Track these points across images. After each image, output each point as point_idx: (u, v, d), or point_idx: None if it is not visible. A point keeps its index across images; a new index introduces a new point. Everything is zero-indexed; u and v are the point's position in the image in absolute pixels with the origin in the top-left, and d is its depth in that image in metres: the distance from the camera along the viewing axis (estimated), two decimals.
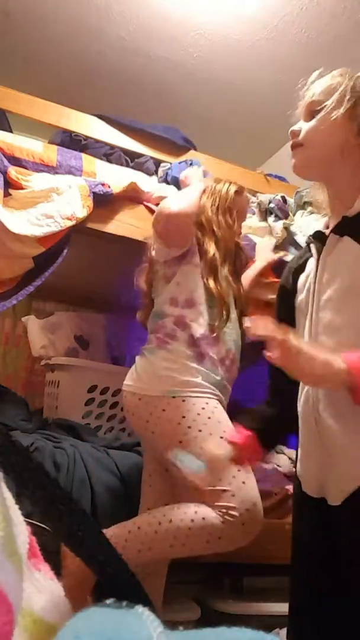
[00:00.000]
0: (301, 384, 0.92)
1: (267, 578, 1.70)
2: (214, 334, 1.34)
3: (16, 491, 0.36)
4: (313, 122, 0.91)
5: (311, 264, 0.94)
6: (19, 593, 0.32)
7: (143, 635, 0.27)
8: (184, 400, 1.26)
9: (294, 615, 0.91)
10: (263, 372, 1.13)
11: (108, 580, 0.36)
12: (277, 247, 1.93)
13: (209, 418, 1.23)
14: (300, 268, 0.99)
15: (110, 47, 2.34)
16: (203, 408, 1.25)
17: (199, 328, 1.34)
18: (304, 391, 0.91)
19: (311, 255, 0.95)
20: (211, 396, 1.30)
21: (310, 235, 0.97)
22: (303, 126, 0.93)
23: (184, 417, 1.24)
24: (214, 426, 1.22)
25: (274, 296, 1.13)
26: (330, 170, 0.92)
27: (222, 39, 2.24)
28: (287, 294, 1.01)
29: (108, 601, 0.31)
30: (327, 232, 0.92)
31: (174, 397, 1.27)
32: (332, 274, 0.87)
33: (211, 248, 1.39)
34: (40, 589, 0.36)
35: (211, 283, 1.36)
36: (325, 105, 0.89)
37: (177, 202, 1.34)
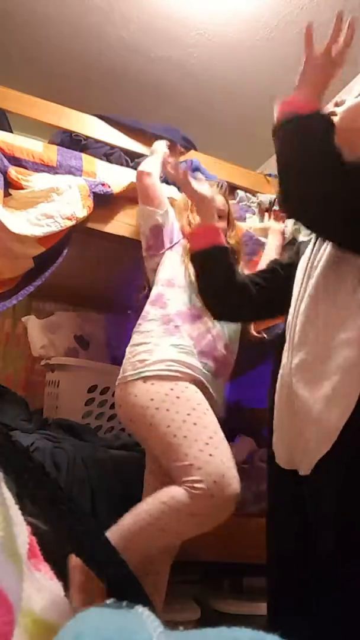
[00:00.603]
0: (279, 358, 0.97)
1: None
2: (194, 312, 1.38)
3: (16, 491, 0.36)
4: None
5: (308, 249, 1.02)
6: (19, 593, 0.32)
7: (143, 635, 0.27)
8: (152, 384, 1.26)
9: (272, 598, 0.92)
10: (263, 372, 1.14)
11: (108, 580, 0.36)
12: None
13: (178, 397, 1.22)
14: (300, 253, 1.07)
15: (110, 47, 2.34)
16: (172, 389, 1.23)
17: (176, 306, 1.38)
18: (280, 367, 0.95)
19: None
20: (179, 374, 1.28)
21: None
22: None
23: (152, 399, 1.24)
24: (182, 405, 1.20)
25: None
26: None
27: (222, 39, 2.24)
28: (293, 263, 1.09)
29: (108, 601, 0.31)
30: None
31: (143, 379, 1.28)
32: (323, 252, 0.94)
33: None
34: (40, 589, 0.36)
35: (191, 267, 1.37)
36: None
37: (140, 165, 1.64)
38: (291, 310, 0.97)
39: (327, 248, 0.93)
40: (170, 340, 1.34)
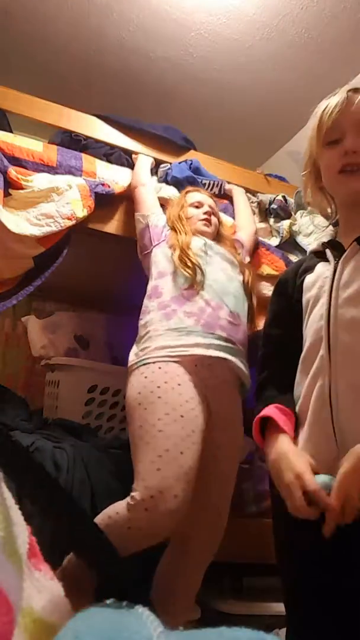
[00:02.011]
0: (309, 373, 0.91)
1: (267, 578, 1.70)
2: (187, 292, 1.40)
3: (16, 491, 0.36)
4: None
5: (323, 267, 0.96)
6: (19, 593, 0.32)
7: (143, 635, 0.27)
8: (145, 376, 1.27)
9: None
10: None
11: (108, 580, 0.36)
12: (280, 247, 1.94)
13: (159, 397, 1.22)
14: (307, 269, 1.00)
15: (110, 47, 2.34)
16: (158, 387, 1.23)
17: (170, 292, 1.42)
18: (315, 381, 0.89)
19: (320, 260, 0.97)
20: (179, 359, 1.29)
21: (324, 242, 0.99)
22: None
23: (139, 393, 1.25)
24: (159, 407, 1.20)
25: None
26: None
27: (222, 39, 2.24)
28: (284, 293, 1.04)
29: (108, 601, 0.31)
30: (342, 241, 0.95)
31: (145, 365, 1.30)
32: (351, 276, 0.88)
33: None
34: (40, 589, 0.36)
35: (172, 252, 1.49)
36: None
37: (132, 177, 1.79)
38: (316, 327, 0.91)
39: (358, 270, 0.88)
40: (169, 324, 1.36)
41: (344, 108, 0.88)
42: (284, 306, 1.03)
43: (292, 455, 0.83)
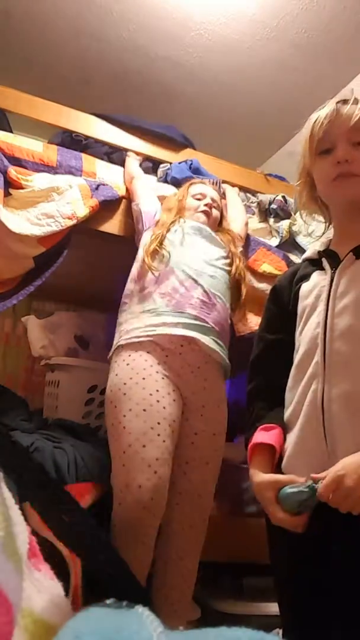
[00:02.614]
0: (302, 379, 0.92)
1: (267, 578, 1.69)
2: (162, 274, 1.44)
3: (16, 491, 0.36)
4: None
5: (318, 276, 0.97)
6: (19, 593, 0.32)
7: (143, 635, 0.27)
8: (113, 369, 1.37)
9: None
10: None
11: (108, 580, 0.36)
12: (280, 247, 1.94)
13: (124, 394, 1.28)
14: (303, 278, 1.01)
15: (110, 47, 2.34)
16: (125, 383, 1.29)
17: (147, 275, 1.46)
18: (307, 392, 0.90)
19: (317, 269, 0.98)
20: (148, 340, 1.34)
21: (320, 251, 1.01)
22: (353, 154, 0.90)
23: (111, 390, 1.33)
24: (124, 403, 1.27)
25: None
26: None
27: (222, 39, 2.24)
28: (280, 299, 1.06)
29: (108, 601, 0.31)
30: (337, 250, 0.96)
31: (118, 348, 1.39)
32: (348, 286, 0.90)
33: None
34: (40, 589, 0.36)
35: (149, 235, 1.54)
36: None
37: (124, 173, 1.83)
38: (312, 334, 0.92)
39: (354, 280, 0.90)
40: (143, 306, 1.41)
41: (334, 119, 0.91)
42: (278, 313, 1.05)
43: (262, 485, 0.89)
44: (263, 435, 0.94)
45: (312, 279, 0.98)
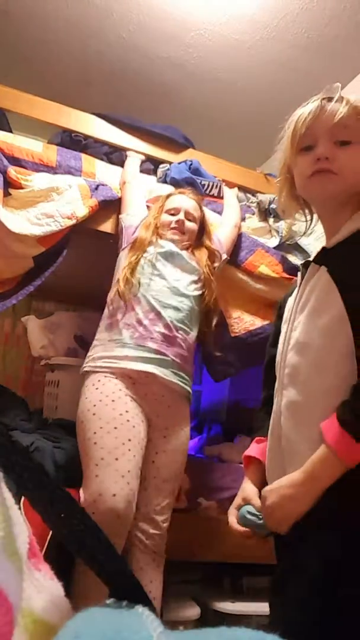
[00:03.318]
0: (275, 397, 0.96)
1: (267, 578, 1.69)
2: (129, 304, 1.47)
3: (16, 491, 0.36)
4: (350, 153, 0.87)
5: (296, 289, 0.98)
6: (19, 593, 0.32)
7: (143, 635, 0.27)
8: (83, 393, 1.42)
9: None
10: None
11: (108, 580, 0.36)
12: (280, 247, 1.94)
13: (94, 414, 1.32)
14: (291, 293, 1.03)
15: (110, 47, 2.34)
16: (94, 405, 1.34)
17: (118, 303, 1.50)
18: (274, 400, 0.94)
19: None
20: (110, 370, 1.39)
21: (300, 264, 1.00)
22: (334, 152, 0.87)
23: (81, 411, 1.38)
24: (93, 423, 1.31)
25: (282, 293, 1.16)
26: (343, 203, 0.90)
27: (222, 39, 2.24)
28: (278, 315, 1.08)
29: (108, 601, 0.31)
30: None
31: (84, 374, 1.46)
32: (306, 298, 0.90)
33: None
34: (40, 589, 0.36)
35: (122, 262, 1.56)
36: (356, 136, 0.87)
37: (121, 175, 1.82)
38: (280, 347, 0.96)
39: (315, 288, 0.89)
40: (110, 335, 1.46)
41: (317, 115, 0.89)
42: (278, 326, 1.06)
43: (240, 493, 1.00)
44: (254, 449, 1.02)
45: (293, 292, 1.00)
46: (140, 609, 0.30)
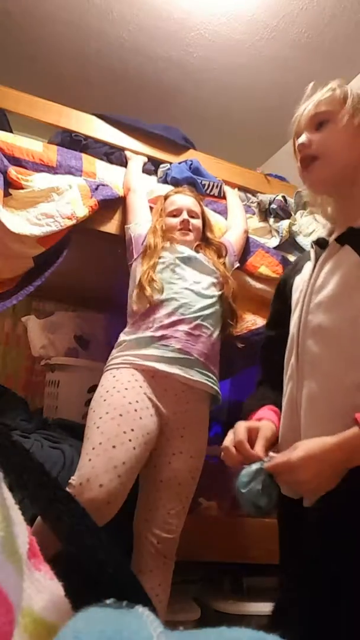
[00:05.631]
0: (285, 377, 0.91)
1: (267, 578, 1.70)
2: (152, 306, 1.46)
3: (17, 491, 0.36)
4: (325, 133, 0.88)
5: (308, 267, 0.94)
6: (19, 593, 0.32)
7: (143, 635, 0.27)
8: (101, 383, 1.39)
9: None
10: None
11: (108, 580, 0.36)
12: (280, 247, 1.94)
13: (104, 400, 1.30)
14: (298, 270, 0.99)
15: (110, 47, 2.34)
16: (107, 391, 1.33)
17: (140, 306, 1.49)
18: (287, 390, 0.90)
19: (309, 259, 0.95)
20: (130, 365, 1.38)
21: (313, 241, 0.96)
22: (311, 137, 0.89)
23: (94, 399, 1.35)
24: (102, 408, 1.29)
25: None
26: (346, 181, 0.88)
27: (222, 39, 2.24)
28: (282, 294, 1.03)
29: (108, 601, 0.31)
30: (330, 239, 0.91)
31: (107, 371, 1.42)
32: (325, 279, 0.86)
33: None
34: (40, 589, 0.36)
35: (140, 268, 1.54)
36: (333, 115, 0.87)
37: (125, 181, 1.80)
38: (293, 331, 0.90)
39: (337, 269, 0.85)
40: (133, 336, 1.45)
41: (301, 115, 0.93)
42: (280, 307, 1.02)
43: (250, 424, 0.88)
44: (267, 413, 0.93)
45: (303, 271, 0.95)
46: (140, 609, 0.30)
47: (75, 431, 1.77)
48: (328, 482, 0.74)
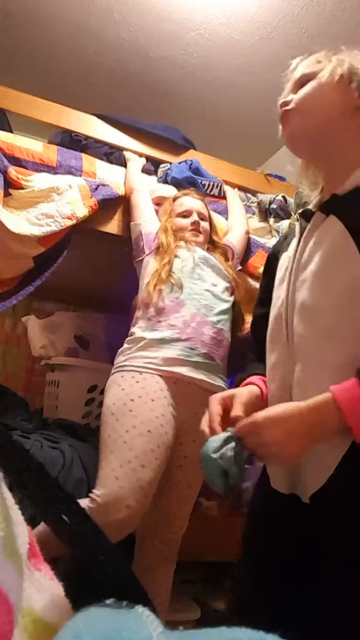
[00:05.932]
0: (271, 360, 0.86)
1: None
2: (174, 304, 1.42)
3: (17, 491, 0.36)
4: (306, 88, 0.87)
5: (293, 243, 0.87)
6: (19, 593, 0.32)
7: (143, 635, 0.27)
8: (119, 384, 1.32)
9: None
10: None
11: (108, 580, 0.36)
12: None
13: (130, 411, 1.25)
14: (284, 247, 0.92)
15: (110, 47, 2.34)
16: (132, 399, 1.28)
17: (157, 304, 1.44)
18: (276, 374, 0.85)
19: (294, 235, 0.88)
20: (145, 370, 1.33)
21: (298, 213, 0.89)
22: (294, 97, 0.88)
23: (114, 403, 1.29)
24: (128, 419, 1.24)
25: None
26: (326, 141, 0.83)
27: (222, 39, 2.24)
28: (272, 269, 0.95)
29: (108, 601, 0.31)
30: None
31: (115, 370, 1.38)
32: (310, 254, 0.80)
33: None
34: (40, 589, 0.36)
35: (159, 262, 1.51)
36: (314, 75, 0.88)
37: (127, 180, 1.79)
38: (280, 311, 0.84)
39: (322, 241, 0.78)
40: (153, 334, 1.39)
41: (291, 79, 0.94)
42: (269, 282, 0.95)
43: (223, 394, 0.84)
44: (255, 379, 0.89)
45: (289, 249, 0.88)
46: (140, 609, 0.30)
47: (75, 431, 1.77)
48: (297, 446, 0.68)
